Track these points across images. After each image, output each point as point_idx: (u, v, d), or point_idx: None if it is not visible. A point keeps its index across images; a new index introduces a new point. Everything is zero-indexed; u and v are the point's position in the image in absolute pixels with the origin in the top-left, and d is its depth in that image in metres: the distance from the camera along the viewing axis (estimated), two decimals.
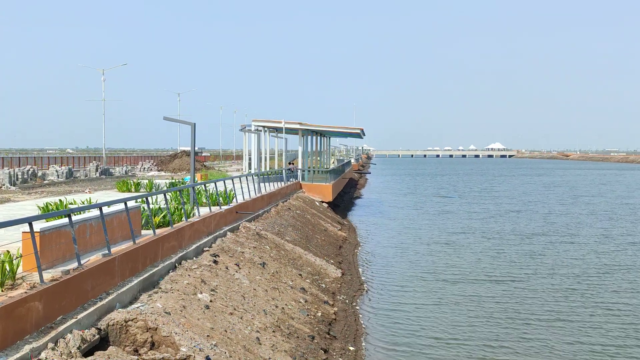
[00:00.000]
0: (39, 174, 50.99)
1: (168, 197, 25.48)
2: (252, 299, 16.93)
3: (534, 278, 26.17)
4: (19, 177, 45.43)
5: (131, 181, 36.88)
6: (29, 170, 48.80)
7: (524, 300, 22.76)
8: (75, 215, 14.87)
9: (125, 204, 15.29)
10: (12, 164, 64.88)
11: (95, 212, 15.16)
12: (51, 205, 20.62)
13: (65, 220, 13.84)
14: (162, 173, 71.55)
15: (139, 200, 18.59)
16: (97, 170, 62.82)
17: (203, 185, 24.10)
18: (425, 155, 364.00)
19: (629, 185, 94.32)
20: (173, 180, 38.23)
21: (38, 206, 21.25)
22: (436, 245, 34.73)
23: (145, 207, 20.03)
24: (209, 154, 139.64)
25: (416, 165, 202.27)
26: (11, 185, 43.05)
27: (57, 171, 53.99)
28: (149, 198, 20.23)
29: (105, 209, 15.74)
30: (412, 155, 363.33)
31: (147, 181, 37.55)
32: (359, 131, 53.11)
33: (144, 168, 75.65)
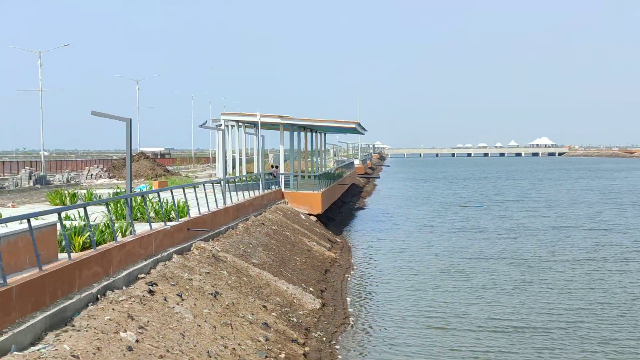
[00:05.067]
0: None
1: (100, 210, 25.66)
2: (194, 338, 17.04)
3: (577, 324, 25.82)
4: None
5: (66, 192, 37.08)
6: None
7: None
8: None
9: (29, 220, 15.40)
10: None
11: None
12: None
13: None
14: (114, 180, 71.85)
15: (64, 214, 18.76)
16: (30, 178, 63.04)
17: (143, 196, 24.21)
18: (453, 154, 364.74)
19: None
20: (118, 190, 38.39)
21: None
22: (450, 274, 34.50)
23: (67, 225, 20.21)
24: (176, 157, 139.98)
25: (441, 167, 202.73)
26: None
27: None
28: (64, 213, 20.30)
29: (3, 229, 15.85)
30: (437, 155, 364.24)
31: (85, 191, 37.74)
32: (354, 125, 53.26)
33: (92, 175, 75.92)
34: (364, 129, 59.53)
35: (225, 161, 40.67)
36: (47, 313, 14.67)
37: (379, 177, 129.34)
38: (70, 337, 14.06)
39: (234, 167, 55.11)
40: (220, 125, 50.21)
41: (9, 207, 37.23)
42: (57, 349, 13.28)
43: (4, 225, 17.00)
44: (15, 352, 12.82)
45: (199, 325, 18.02)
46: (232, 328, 19.04)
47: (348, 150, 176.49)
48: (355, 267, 36.11)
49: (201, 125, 37.02)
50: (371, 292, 30.22)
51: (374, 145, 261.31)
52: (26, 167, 70.17)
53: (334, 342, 22.26)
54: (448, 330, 24.38)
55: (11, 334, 13.14)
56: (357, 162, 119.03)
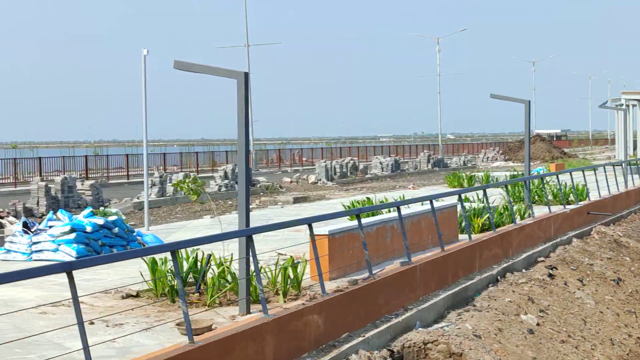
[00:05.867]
0: (361, 167, 54.67)
1: (497, 192, 25.82)
2: (595, 325, 16.58)
3: None
4: (337, 170, 49.19)
5: (463, 174, 37.93)
6: (348, 162, 52.61)
7: None
8: (371, 216, 15.91)
9: (431, 202, 15.96)
10: (334, 155, 70.36)
11: (404, 212, 16.03)
12: (358, 203, 22.22)
13: (365, 221, 14.93)
14: (510, 163, 72.15)
15: (464, 196, 19.14)
16: (429, 161, 65.44)
17: (541, 179, 24.00)
18: None
19: None
20: (515, 172, 38.45)
21: (343, 205, 22.98)
22: None
23: (466, 206, 20.63)
24: (573, 139, 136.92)
25: None
26: (328, 180, 46.82)
27: (380, 163, 57.41)
28: (463, 195, 20.63)
29: (406, 209, 16.58)
30: None
31: (482, 174, 38.32)
32: None
33: (487, 157, 76.89)
34: None
35: (626, 142, 38.98)
36: (449, 292, 15.11)
37: None
38: (471, 317, 14.34)
39: (635, 149, 52.72)
40: (621, 104, 48.13)
41: (409, 188, 38.99)
42: (459, 328, 13.61)
43: (406, 206, 17.80)
44: (420, 329, 13.35)
45: (601, 312, 17.48)
46: (636, 316, 18.24)
47: None
48: None
49: (601, 106, 35.90)
50: None
51: None
52: (425, 151, 72.91)
53: None
54: None
55: (416, 311, 13.71)
56: None
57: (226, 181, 40.22)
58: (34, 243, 16.76)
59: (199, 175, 46.74)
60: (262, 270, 12.02)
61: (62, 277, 8.45)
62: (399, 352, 12.55)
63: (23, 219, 18.97)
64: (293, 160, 72.56)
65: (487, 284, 16.64)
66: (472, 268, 16.75)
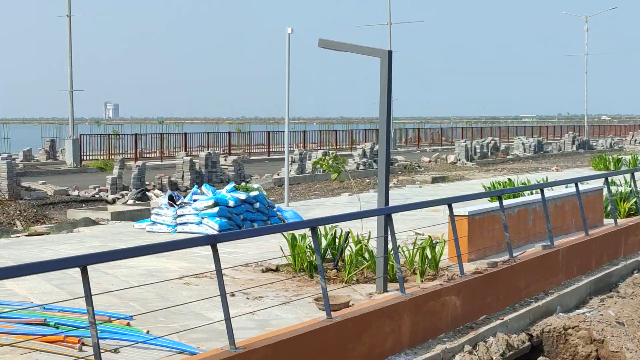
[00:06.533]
0: (502, 147, 53.77)
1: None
2: None
3: None
4: (477, 150, 48.55)
5: (610, 157, 36.80)
6: (488, 142, 51.82)
7: None
8: (512, 198, 15.65)
9: (576, 185, 15.58)
10: (474, 135, 69.50)
11: (547, 194, 15.69)
12: (499, 184, 21.90)
13: (506, 203, 14.70)
14: None
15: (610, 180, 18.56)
16: (573, 142, 63.71)
17: None
18: None
19: None
20: None
21: (483, 185, 22.68)
22: None
23: (613, 190, 19.99)
24: None
25: None
26: (467, 160, 46.29)
27: (523, 144, 56.29)
28: (611, 178, 19.96)
29: (549, 192, 16.21)
30: None
31: (629, 157, 37.06)
32: None
33: (635, 140, 74.22)
34: None
35: None
36: (592, 277, 14.75)
37: None
38: (615, 304, 13.94)
39: None
40: None
41: (552, 170, 38.14)
42: (601, 314, 13.25)
43: (549, 188, 17.40)
44: (561, 314, 13.08)
45: None
46: None
47: None
48: None
49: None
50: None
51: None
52: (569, 132, 71.02)
53: None
54: None
55: (557, 295, 13.43)
56: None
57: (364, 159, 40.31)
58: (179, 216, 17.31)
59: (338, 153, 47.04)
60: (400, 249, 12.01)
61: (205, 250, 8.70)
62: (538, 336, 12.36)
63: (169, 192, 19.59)
64: (432, 139, 72.05)
65: (632, 270, 16.18)
66: (617, 253, 16.28)
